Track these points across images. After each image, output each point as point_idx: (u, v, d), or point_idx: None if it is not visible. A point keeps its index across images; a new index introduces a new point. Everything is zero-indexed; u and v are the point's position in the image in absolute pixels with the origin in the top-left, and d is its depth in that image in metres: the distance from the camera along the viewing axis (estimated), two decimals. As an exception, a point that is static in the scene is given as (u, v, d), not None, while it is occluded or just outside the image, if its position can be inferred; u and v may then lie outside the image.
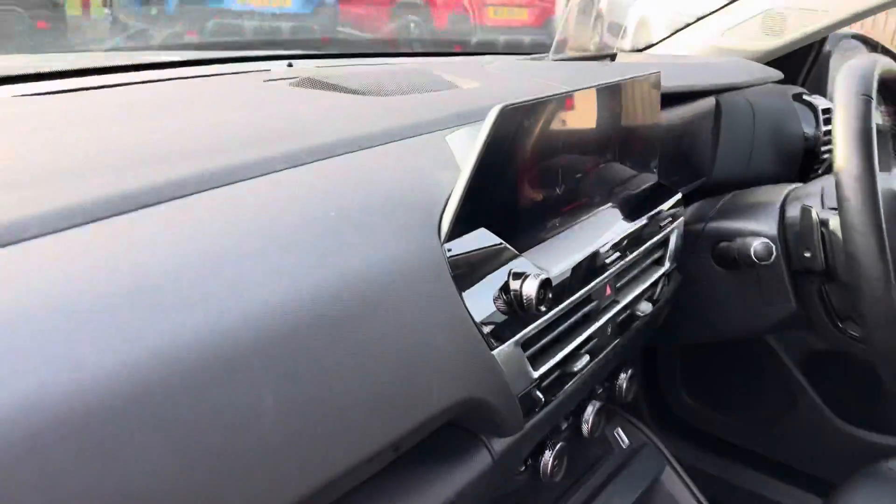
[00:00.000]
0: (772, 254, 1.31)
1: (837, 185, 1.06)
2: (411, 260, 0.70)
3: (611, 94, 1.03)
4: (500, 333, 0.79)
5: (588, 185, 1.01)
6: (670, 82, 1.36)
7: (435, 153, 0.87)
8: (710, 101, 1.63)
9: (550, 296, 0.81)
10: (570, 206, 0.97)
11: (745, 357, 1.77)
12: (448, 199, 0.76)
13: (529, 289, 0.78)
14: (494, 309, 0.78)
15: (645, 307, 1.16)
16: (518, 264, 0.81)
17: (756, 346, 1.72)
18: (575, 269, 0.92)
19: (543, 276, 0.79)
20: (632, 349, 1.29)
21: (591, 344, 1.01)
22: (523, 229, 0.87)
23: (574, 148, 0.97)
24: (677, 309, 1.40)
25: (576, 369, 0.95)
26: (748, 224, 1.41)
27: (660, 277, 1.23)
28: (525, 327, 0.83)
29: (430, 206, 0.76)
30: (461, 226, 0.76)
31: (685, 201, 1.31)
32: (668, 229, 1.22)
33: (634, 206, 1.14)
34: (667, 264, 1.24)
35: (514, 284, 0.79)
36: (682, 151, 1.54)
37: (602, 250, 0.99)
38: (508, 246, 0.81)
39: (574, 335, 0.96)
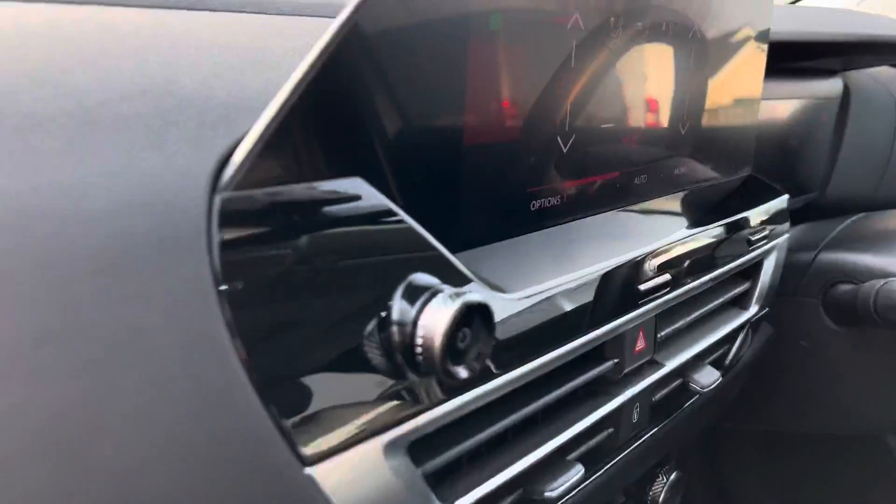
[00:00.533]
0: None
1: None
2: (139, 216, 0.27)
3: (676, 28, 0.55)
4: (350, 425, 0.33)
5: (613, 149, 0.54)
6: (790, 26, 0.87)
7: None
8: (835, 85, 1.11)
9: (485, 348, 0.35)
10: (571, 181, 0.50)
11: (848, 455, 1.23)
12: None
13: (433, 324, 0.32)
14: (332, 364, 0.32)
15: (707, 377, 0.66)
16: (419, 277, 0.35)
17: (869, 444, 1.18)
18: (562, 296, 0.45)
19: (470, 300, 0.33)
20: (677, 439, 0.79)
21: (593, 443, 0.54)
22: (447, 206, 0.41)
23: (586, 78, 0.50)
24: (762, 382, 0.90)
25: (554, 495, 0.48)
26: (880, 260, 0.91)
27: (739, 328, 0.74)
28: (418, 415, 0.36)
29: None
30: (269, 164, 0.31)
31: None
32: (761, 250, 0.73)
33: (703, 200, 0.67)
34: (752, 308, 0.75)
35: (401, 312, 0.33)
36: (787, 151, 1.03)
37: (627, 266, 0.52)
38: (400, 218, 0.35)
39: (555, 428, 0.49)
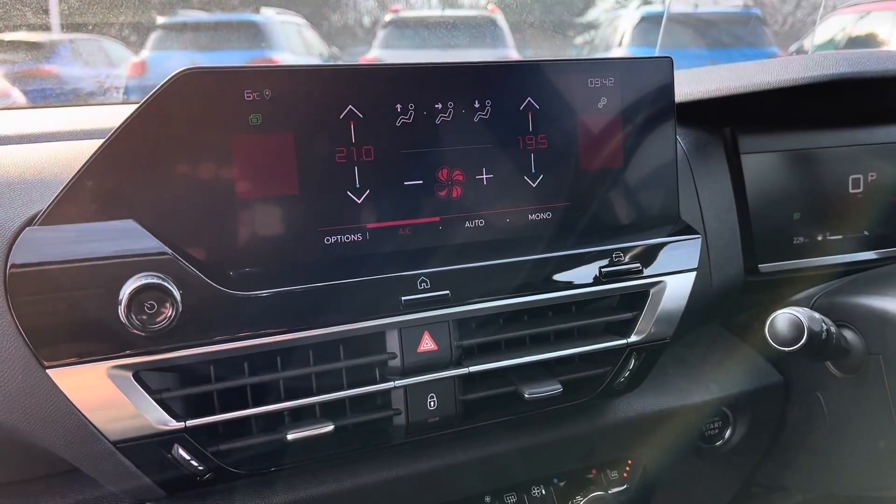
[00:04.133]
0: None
1: None
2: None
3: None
4: (83, 347, 0.61)
5: (423, 199, 0.73)
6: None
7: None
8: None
9: (160, 316, 0.60)
10: (376, 223, 0.71)
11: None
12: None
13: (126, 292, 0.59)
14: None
15: (539, 388, 0.78)
16: (146, 275, 0.62)
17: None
18: (296, 297, 0.67)
19: (146, 283, 0.59)
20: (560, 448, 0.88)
21: (376, 417, 0.72)
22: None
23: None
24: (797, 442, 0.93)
25: (290, 437, 0.68)
26: (879, 301, 0.87)
27: (615, 353, 0.82)
28: (142, 354, 0.62)
29: None
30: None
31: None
32: (620, 285, 0.80)
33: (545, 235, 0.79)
34: (633, 337, 0.82)
35: (124, 290, 0.60)
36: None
37: (394, 280, 0.70)
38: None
39: (315, 392, 0.70)
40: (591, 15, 6.17)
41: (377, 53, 5.05)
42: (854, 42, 4.65)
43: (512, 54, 5.11)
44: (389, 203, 0.72)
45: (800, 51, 4.35)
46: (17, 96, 1.67)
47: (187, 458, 0.65)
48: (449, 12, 5.58)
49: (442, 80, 0.72)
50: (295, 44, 4.90)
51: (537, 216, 0.78)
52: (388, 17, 5.37)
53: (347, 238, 0.71)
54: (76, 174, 0.61)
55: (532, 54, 5.42)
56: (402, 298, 0.71)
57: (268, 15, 4.77)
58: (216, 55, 4.25)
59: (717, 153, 1.00)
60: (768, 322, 0.81)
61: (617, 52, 5.16)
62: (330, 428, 0.69)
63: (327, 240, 0.70)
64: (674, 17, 5.52)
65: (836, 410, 0.93)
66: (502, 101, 0.75)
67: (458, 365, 0.75)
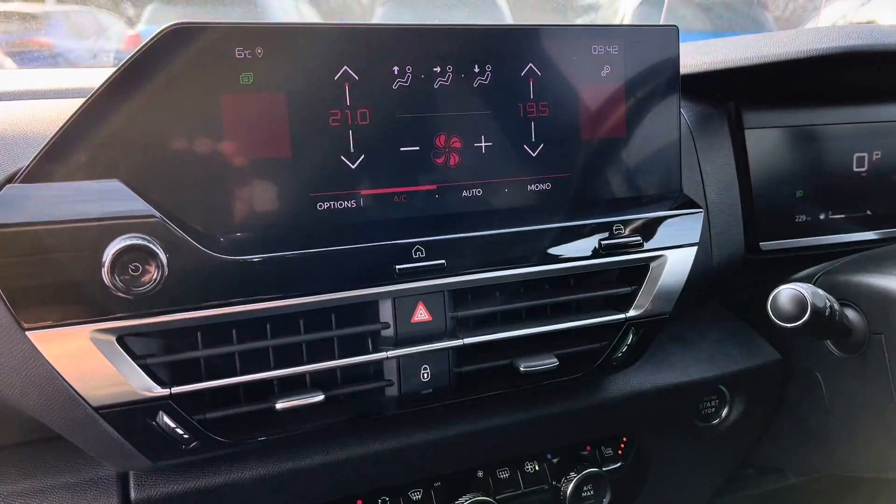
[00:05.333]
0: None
1: None
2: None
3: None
4: (64, 311, 0.59)
5: (422, 167, 0.71)
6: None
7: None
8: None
9: (147, 278, 0.58)
10: (371, 190, 0.69)
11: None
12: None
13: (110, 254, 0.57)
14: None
15: (536, 362, 0.76)
16: (133, 236, 0.60)
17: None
18: (284, 263, 0.65)
19: (131, 243, 0.57)
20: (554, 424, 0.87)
21: (369, 387, 0.71)
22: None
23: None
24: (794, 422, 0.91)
25: (279, 406, 0.66)
26: (882, 280, 0.85)
27: (614, 328, 0.80)
28: (123, 318, 0.60)
29: None
30: None
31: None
32: (625, 257, 0.79)
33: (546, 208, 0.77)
34: (631, 311, 0.81)
35: (107, 251, 0.58)
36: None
37: (386, 248, 0.68)
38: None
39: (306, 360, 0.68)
40: (591, -4, 6.12)
41: (376, 31, 4.98)
42: (855, 29, 4.59)
43: (511, 35, 5.05)
44: (384, 169, 0.70)
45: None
46: (11, 67, 1.64)
47: (172, 425, 0.64)
48: (449, -9, 5.52)
49: (441, 42, 0.70)
50: (292, 18, 4.84)
51: (536, 186, 0.76)
52: (387, -6, 5.30)
53: (341, 204, 0.69)
54: (59, 130, 0.59)
55: (532, 35, 5.35)
56: (397, 267, 0.68)
57: (265, -10, 4.70)
58: (212, 30, 4.19)
59: (721, 128, 0.98)
60: (771, 297, 0.79)
61: (618, 35, 5.09)
62: (320, 398, 0.67)
63: (320, 206, 0.68)
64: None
65: (835, 390, 0.92)
66: (503, 67, 0.73)
67: (453, 336, 0.74)
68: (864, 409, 0.88)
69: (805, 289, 0.77)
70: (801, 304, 0.76)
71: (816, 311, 0.76)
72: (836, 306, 0.80)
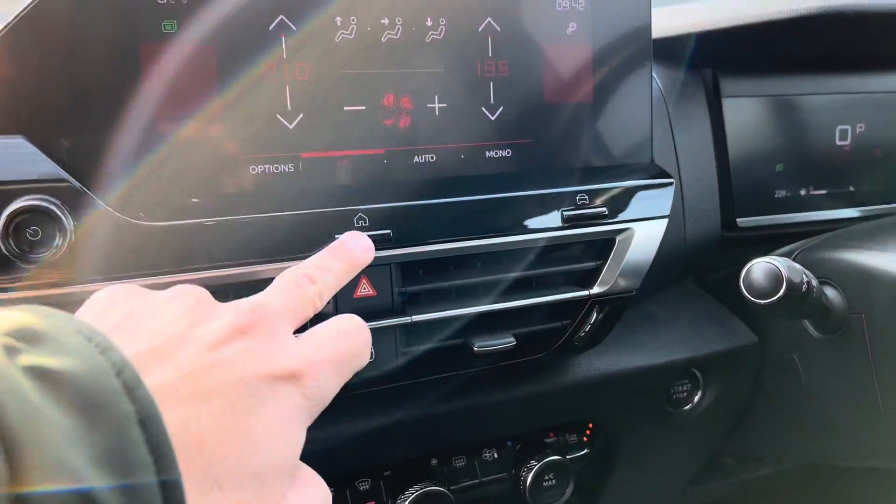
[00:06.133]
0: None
1: None
2: None
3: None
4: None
5: (369, 128, 0.65)
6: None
7: None
8: None
9: (44, 247, 0.52)
10: (312, 152, 0.63)
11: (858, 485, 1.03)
12: None
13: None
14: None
15: (490, 341, 0.70)
16: (40, 197, 0.53)
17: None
18: (212, 230, 0.59)
19: (20, 206, 0.51)
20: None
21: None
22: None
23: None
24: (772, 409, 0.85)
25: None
26: (863, 256, 0.80)
27: (577, 305, 0.75)
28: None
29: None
30: None
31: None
32: (588, 230, 0.73)
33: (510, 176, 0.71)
34: (595, 288, 0.75)
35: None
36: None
37: (319, 217, 0.62)
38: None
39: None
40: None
41: None
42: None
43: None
44: (326, 130, 0.64)
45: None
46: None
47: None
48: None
49: (389, -4, 0.64)
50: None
51: (495, 153, 0.70)
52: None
53: (277, 168, 0.62)
54: None
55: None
56: (336, 237, 0.62)
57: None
58: None
59: (697, 95, 0.92)
60: (744, 271, 0.74)
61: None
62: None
63: (253, 169, 0.62)
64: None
65: (814, 374, 0.87)
66: (458, 20, 0.67)
67: (401, 313, 0.68)
68: (844, 394, 0.84)
69: (780, 262, 0.71)
70: (775, 278, 0.71)
71: (792, 287, 0.71)
72: (815, 283, 0.75)
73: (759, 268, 0.72)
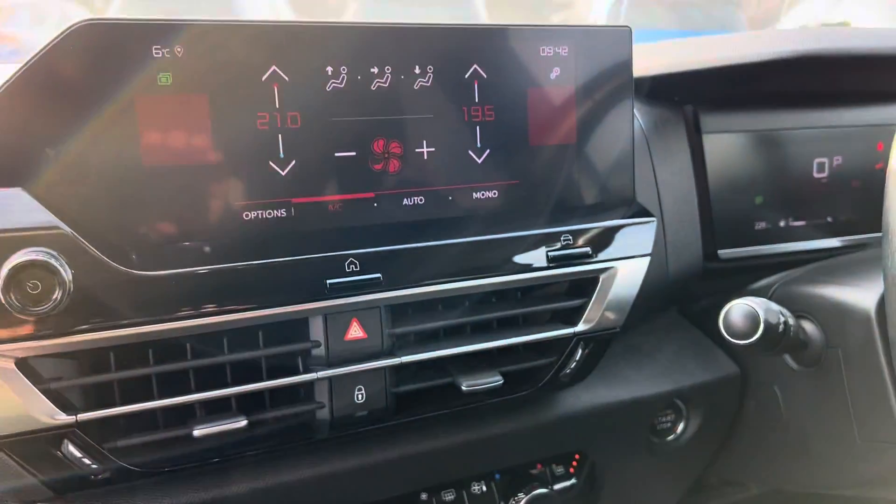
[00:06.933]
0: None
1: None
2: None
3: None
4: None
5: (359, 173, 0.66)
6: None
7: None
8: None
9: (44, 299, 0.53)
10: (301, 198, 0.64)
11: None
12: None
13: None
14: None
15: (479, 380, 0.72)
16: (34, 250, 0.55)
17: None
18: (203, 278, 0.60)
19: (20, 261, 0.52)
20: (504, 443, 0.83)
21: (297, 410, 0.66)
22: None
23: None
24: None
25: (198, 433, 0.62)
26: (838, 291, 0.83)
27: (563, 343, 0.77)
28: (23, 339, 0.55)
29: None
30: None
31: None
32: (570, 269, 0.75)
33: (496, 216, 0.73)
34: (581, 325, 0.77)
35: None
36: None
37: (316, 262, 0.64)
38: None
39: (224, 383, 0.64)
40: (567, -7, 6.10)
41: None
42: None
43: (485, 31, 5.01)
44: (318, 176, 0.65)
45: (771, 35, 4.33)
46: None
47: (79, 455, 0.59)
48: (422, -15, 5.47)
49: (378, 41, 0.66)
50: (263, 12, 4.76)
51: (482, 195, 0.72)
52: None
53: (269, 214, 0.64)
54: None
55: (506, 31, 5.32)
56: (328, 282, 0.64)
57: (236, -19, 4.62)
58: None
59: (678, 132, 0.95)
60: (722, 313, 0.76)
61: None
62: (243, 423, 0.63)
63: (246, 215, 0.63)
64: (649, -3, 5.47)
65: (794, 405, 0.89)
66: (445, 68, 0.69)
67: (390, 354, 0.69)
68: (822, 425, 0.86)
69: (757, 304, 0.74)
70: (753, 320, 0.73)
71: (769, 328, 0.73)
72: (791, 321, 0.77)
73: (738, 309, 0.74)
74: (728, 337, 0.75)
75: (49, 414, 0.57)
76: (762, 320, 0.73)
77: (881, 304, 0.77)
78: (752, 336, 0.73)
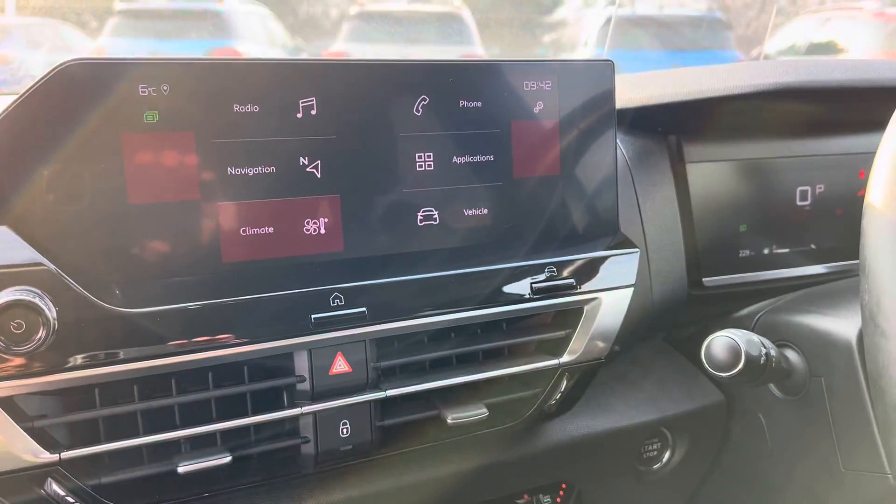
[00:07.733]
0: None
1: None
2: None
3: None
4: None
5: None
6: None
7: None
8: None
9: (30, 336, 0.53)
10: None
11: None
12: None
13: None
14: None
15: (463, 412, 0.73)
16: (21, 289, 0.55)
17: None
18: (192, 315, 0.60)
19: (10, 299, 0.53)
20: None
21: (282, 445, 0.67)
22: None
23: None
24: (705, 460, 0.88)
25: (182, 469, 0.62)
26: (823, 321, 0.83)
27: (549, 374, 0.77)
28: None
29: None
30: None
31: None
32: (555, 301, 0.76)
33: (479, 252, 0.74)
34: (565, 357, 0.78)
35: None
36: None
37: (301, 297, 0.64)
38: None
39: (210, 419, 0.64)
40: (559, 14, 6.16)
41: (342, 47, 4.96)
42: (814, 48, 4.69)
43: (478, 51, 5.06)
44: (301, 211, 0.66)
45: (760, 55, 4.40)
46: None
47: (62, 493, 0.59)
48: (415, 7, 5.51)
49: (360, 79, 0.67)
50: (258, 35, 4.79)
51: (466, 227, 0.73)
52: (353, 11, 5.28)
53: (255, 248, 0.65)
54: None
55: (499, 52, 5.38)
56: (312, 317, 0.65)
57: (230, 4, 4.65)
58: (175, 44, 4.13)
59: (661, 162, 0.96)
60: (704, 346, 0.77)
61: (583, 53, 5.16)
62: (227, 459, 0.63)
63: (231, 252, 0.64)
64: (638, 19, 5.54)
65: (778, 433, 0.90)
66: (430, 104, 0.70)
67: (375, 388, 0.70)
68: (806, 453, 0.87)
69: (739, 336, 0.74)
70: (734, 352, 0.74)
71: (751, 360, 0.74)
72: (773, 352, 0.78)
73: (719, 342, 0.75)
74: (710, 369, 0.76)
75: (33, 452, 0.57)
76: (743, 352, 0.73)
77: (862, 334, 0.78)
78: (733, 369, 0.74)
